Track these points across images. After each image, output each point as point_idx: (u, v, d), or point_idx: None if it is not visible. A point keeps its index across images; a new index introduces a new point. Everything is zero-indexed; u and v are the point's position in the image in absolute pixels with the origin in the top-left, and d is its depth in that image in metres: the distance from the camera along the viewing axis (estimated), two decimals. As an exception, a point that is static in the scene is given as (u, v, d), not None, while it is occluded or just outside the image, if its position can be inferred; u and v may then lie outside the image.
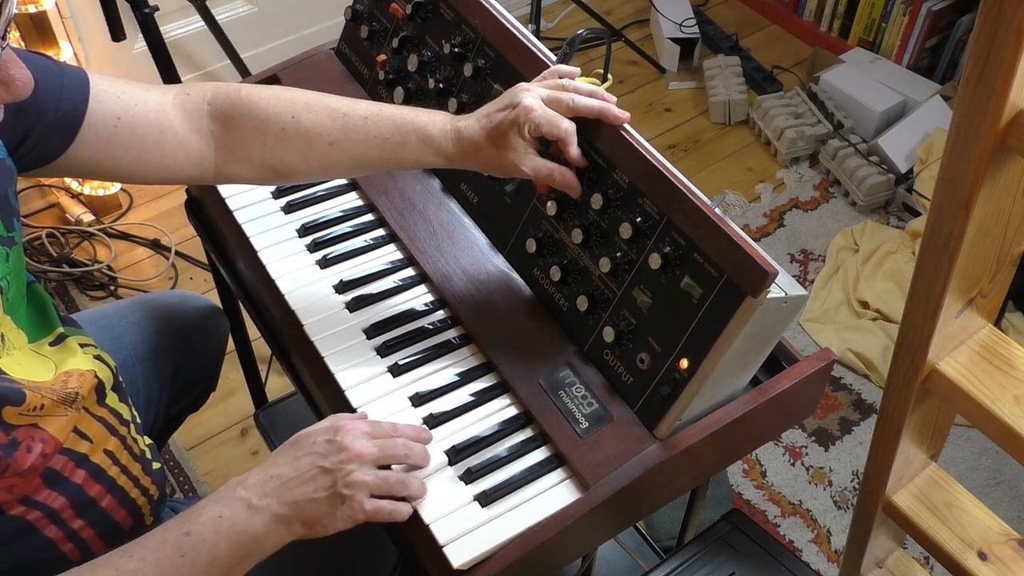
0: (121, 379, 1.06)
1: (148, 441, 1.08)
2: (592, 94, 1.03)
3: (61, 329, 1.01)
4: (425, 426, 1.01)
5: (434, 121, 1.03)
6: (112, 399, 1.01)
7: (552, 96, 1.01)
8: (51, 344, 0.98)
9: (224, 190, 1.25)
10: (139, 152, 1.01)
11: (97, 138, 0.98)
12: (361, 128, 1.03)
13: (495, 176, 1.13)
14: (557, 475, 0.98)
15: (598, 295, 1.04)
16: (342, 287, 1.14)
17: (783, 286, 0.94)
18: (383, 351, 1.08)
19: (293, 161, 1.05)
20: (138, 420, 1.07)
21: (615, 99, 1.04)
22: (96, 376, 0.98)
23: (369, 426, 0.94)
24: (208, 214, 1.29)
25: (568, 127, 1.01)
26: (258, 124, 1.04)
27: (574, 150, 1.01)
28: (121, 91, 1.01)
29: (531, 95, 1.00)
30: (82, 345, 1.02)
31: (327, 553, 1.11)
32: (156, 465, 1.07)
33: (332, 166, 1.06)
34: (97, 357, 1.02)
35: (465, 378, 1.06)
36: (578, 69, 1.08)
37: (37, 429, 0.89)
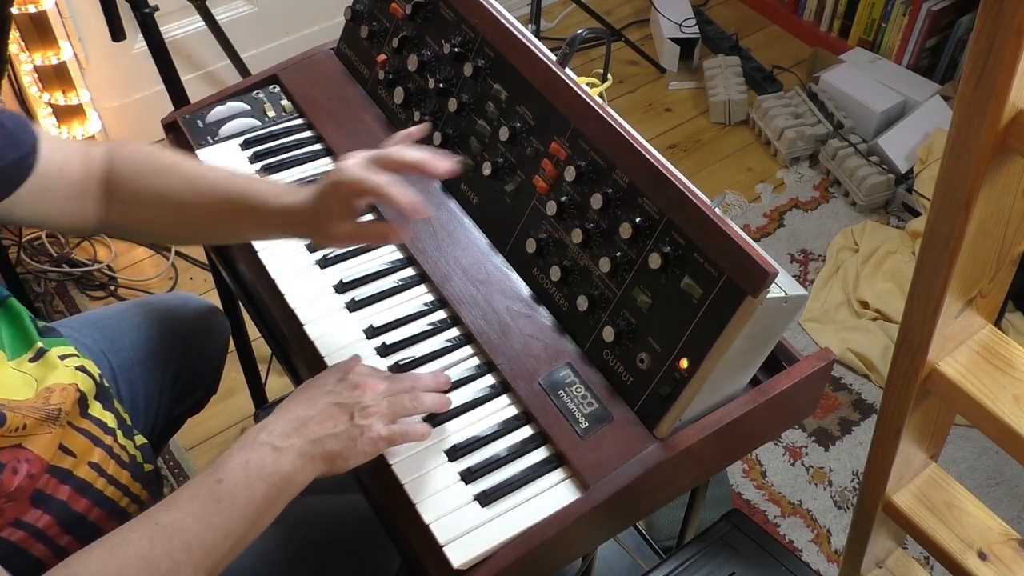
0: (107, 384, 1.05)
1: (141, 441, 1.07)
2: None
3: (40, 343, 1.00)
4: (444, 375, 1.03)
5: (276, 193, 1.01)
6: (96, 408, 1.01)
7: (376, 155, 0.97)
8: (31, 360, 0.98)
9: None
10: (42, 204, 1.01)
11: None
12: (205, 194, 1.03)
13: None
14: (557, 475, 0.98)
15: (598, 295, 1.04)
16: (342, 287, 1.14)
17: (783, 286, 0.94)
18: (383, 351, 1.08)
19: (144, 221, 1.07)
20: (128, 423, 1.06)
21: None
22: (78, 389, 0.98)
23: (373, 368, 0.98)
24: (208, 214, 1.29)
25: (379, 180, 0.94)
26: (123, 186, 1.05)
27: (401, 197, 0.94)
28: (53, 145, 1.01)
29: (350, 157, 0.97)
30: (63, 356, 1.01)
31: (331, 557, 1.11)
32: (148, 467, 1.06)
33: (178, 231, 1.09)
34: (80, 368, 1.01)
35: (465, 378, 1.06)
36: (416, 129, 1.05)
37: (21, 449, 0.89)
